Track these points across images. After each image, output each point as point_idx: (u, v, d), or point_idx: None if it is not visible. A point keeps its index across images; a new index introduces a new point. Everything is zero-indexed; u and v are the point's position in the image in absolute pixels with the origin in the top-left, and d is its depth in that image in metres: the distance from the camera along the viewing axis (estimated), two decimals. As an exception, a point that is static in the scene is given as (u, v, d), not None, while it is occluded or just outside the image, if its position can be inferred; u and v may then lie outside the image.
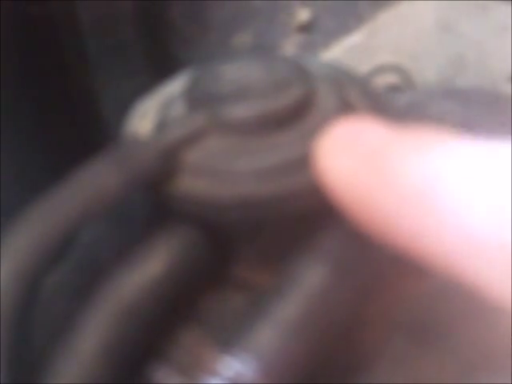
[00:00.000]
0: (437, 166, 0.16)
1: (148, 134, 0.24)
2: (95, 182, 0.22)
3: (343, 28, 0.41)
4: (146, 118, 0.25)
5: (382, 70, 0.38)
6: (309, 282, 0.21)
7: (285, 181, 0.22)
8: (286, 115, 0.23)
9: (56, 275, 0.25)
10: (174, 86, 0.26)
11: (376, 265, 0.21)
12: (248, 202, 0.22)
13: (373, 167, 0.17)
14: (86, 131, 0.38)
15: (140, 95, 0.26)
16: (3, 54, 0.33)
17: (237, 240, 0.23)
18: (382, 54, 0.39)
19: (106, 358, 0.20)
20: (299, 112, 0.23)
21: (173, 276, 0.22)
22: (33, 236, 0.21)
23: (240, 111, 0.23)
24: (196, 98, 0.24)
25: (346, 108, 0.24)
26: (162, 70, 0.42)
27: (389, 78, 0.37)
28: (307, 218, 0.22)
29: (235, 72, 0.24)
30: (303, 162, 0.22)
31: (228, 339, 0.20)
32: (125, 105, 0.26)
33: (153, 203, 0.24)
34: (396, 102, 0.29)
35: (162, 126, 0.24)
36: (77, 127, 0.38)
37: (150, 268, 0.22)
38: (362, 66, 0.38)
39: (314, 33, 0.42)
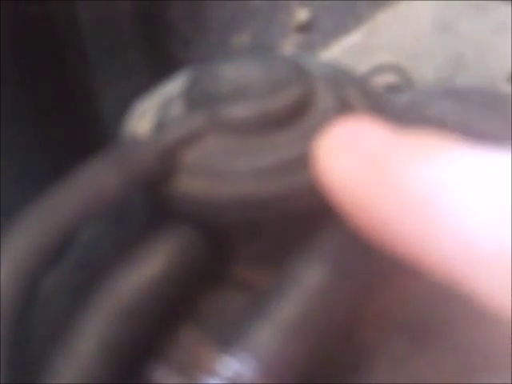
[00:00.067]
0: (438, 173, 0.16)
1: (147, 134, 0.24)
2: (94, 181, 0.22)
3: (342, 28, 0.41)
4: (145, 117, 0.25)
5: (380, 69, 0.38)
6: (308, 281, 0.21)
7: (284, 181, 0.22)
8: (285, 115, 0.23)
9: (55, 275, 0.25)
10: (173, 86, 0.26)
11: (376, 264, 0.21)
12: (247, 201, 0.22)
13: (373, 171, 0.17)
14: (85, 131, 0.38)
15: (139, 95, 0.26)
16: (3, 54, 0.33)
17: (236, 240, 0.23)
18: (381, 53, 0.39)
19: (105, 358, 0.20)
20: (298, 112, 0.23)
21: (172, 276, 0.22)
22: (32, 236, 0.21)
23: (239, 111, 0.23)
24: (195, 98, 0.24)
25: (345, 108, 0.24)
26: (161, 69, 0.42)
27: (388, 78, 0.37)
28: (306, 218, 0.22)
29: (234, 72, 0.24)
30: (302, 162, 0.22)
31: (227, 339, 0.20)
32: (124, 105, 0.26)
33: (152, 203, 0.24)
34: (395, 101, 0.29)
35: (160, 125, 0.24)
36: (76, 127, 0.38)
37: (149, 268, 0.22)
38: (361, 66, 0.38)
39: (312, 33, 0.42)
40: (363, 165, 0.17)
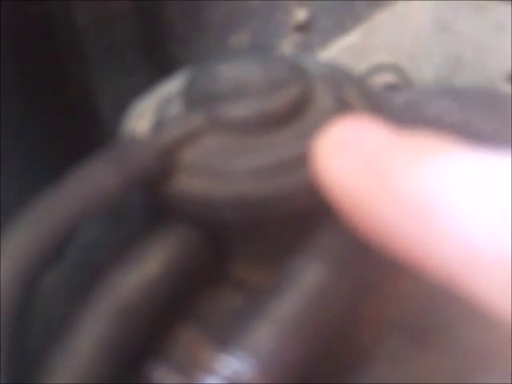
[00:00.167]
0: (437, 175, 0.16)
1: (146, 134, 0.24)
2: (93, 181, 0.22)
3: (340, 27, 0.41)
4: (144, 117, 0.25)
5: (379, 69, 0.38)
6: (307, 280, 0.21)
7: (282, 180, 0.22)
8: (284, 114, 0.23)
9: (54, 274, 0.25)
10: (172, 86, 0.26)
11: (374, 264, 0.21)
12: (245, 201, 0.22)
13: (371, 172, 0.17)
14: (84, 130, 0.38)
15: (138, 94, 0.26)
16: (3, 54, 0.33)
17: (234, 239, 0.23)
18: (380, 53, 0.39)
19: (104, 357, 0.20)
20: (296, 111, 0.23)
21: (170, 275, 0.22)
22: (31, 235, 0.21)
23: (237, 110, 0.23)
24: (193, 98, 0.24)
25: (343, 107, 0.24)
26: (160, 69, 0.43)
27: (386, 77, 0.37)
28: (305, 217, 0.22)
29: (232, 71, 0.24)
30: (300, 161, 0.22)
31: (226, 338, 0.20)
32: (123, 104, 0.26)
33: (150, 202, 0.24)
34: (393, 101, 0.29)
35: (159, 125, 0.24)
36: (75, 126, 0.38)
37: (147, 267, 0.22)
38: (360, 66, 0.38)
39: (311, 32, 0.43)
40: (362, 166, 0.17)
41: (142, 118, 0.25)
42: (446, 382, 0.22)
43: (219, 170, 0.22)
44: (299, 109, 0.23)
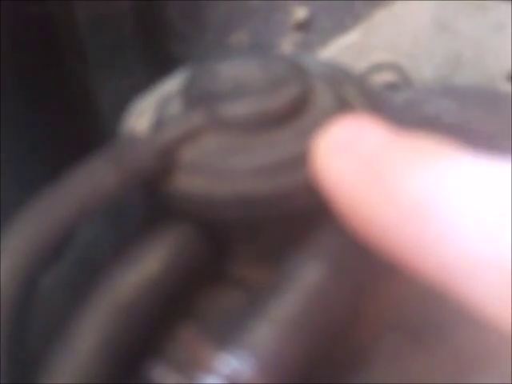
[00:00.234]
0: (437, 178, 0.16)
1: (145, 132, 0.24)
2: (93, 180, 0.22)
3: (340, 26, 0.41)
4: (144, 116, 0.25)
5: (378, 68, 0.38)
6: (306, 279, 0.21)
7: (282, 179, 0.22)
8: (283, 113, 0.23)
9: (54, 273, 0.25)
10: (172, 85, 0.26)
11: (373, 263, 0.21)
12: (245, 200, 0.22)
13: (370, 173, 0.17)
14: (84, 129, 0.38)
15: (138, 93, 0.26)
16: (3, 53, 0.33)
17: (234, 238, 0.23)
18: (379, 52, 0.39)
19: (104, 356, 0.20)
20: (296, 110, 0.23)
21: (170, 274, 0.22)
22: (30, 234, 0.21)
23: (237, 109, 0.23)
24: (193, 97, 0.24)
25: (343, 106, 0.24)
26: (160, 68, 0.42)
27: (386, 76, 0.37)
28: (305, 216, 0.22)
29: (232, 70, 0.24)
30: (300, 160, 0.22)
31: (225, 337, 0.20)
32: (123, 103, 0.26)
33: (150, 201, 0.24)
34: (393, 100, 0.29)
35: (159, 124, 0.24)
36: (75, 125, 0.38)
37: (147, 266, 0.22)
38: (359, 65, 0.38)
39: (310, 31, 0.42)
40: (361, 166, 0.17)
41: (141, 116, 0.25)
42: (444, 382, 0.22)
43: (219, 169, 0.22)
44: (299, 108, 0.23)
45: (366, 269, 0.21)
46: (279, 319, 0.20)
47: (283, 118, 0.23)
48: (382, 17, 0.41)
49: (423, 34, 0.40)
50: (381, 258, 0.17)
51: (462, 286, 0.15)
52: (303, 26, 0.42)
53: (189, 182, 0.23)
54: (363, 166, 0.17)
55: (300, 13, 0.42)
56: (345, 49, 0.40)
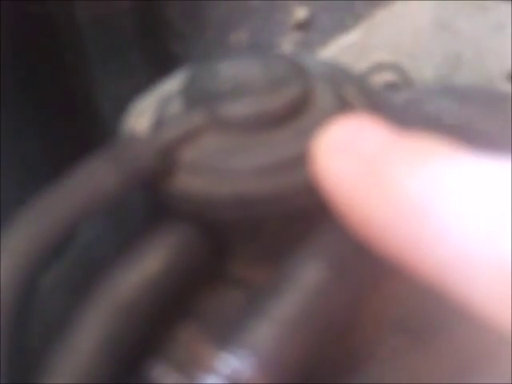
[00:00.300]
0: (436, 178, 0.16)
1: (146, 132, 0.24)
2: (93, 179, 0.22)
3: (340, 26, 0.41)
4: (144, 115, 0.25)
5: (379, 68, 0.38)
6: (306, 279, 0.21)
7: (282, 179, 0.22)
8: (284, 113, 0.23)
9: (54, 273, 0.25)
10: (172, 84, 0.26)
11: (373, 263, 0.21)
12: (245, 199, 0.22)
13: (370, 174, 0.17)
14: (84, 129, 0.38)
15: (138, 93, 0.26)
16: (3, 53, 0.33)
17: (234, 238, 0.23)
18: (379, 52, 0.39)
19: (104, 356, 0.20)
20: (296, 110, 0.23)
21: (170, 274, 0.22)
22: (31, 234, 0.21)
23: (237, 109, 0.23)
24: (193, 96, 0.24)
25: (343, 106, 0.24)
26: (160, 68, 0.42)
27: (386, 76, 0.37)
28: (305, 216, 0.22)
29: (232, 70, 0.24)
30: (300, 160, 0.22)
31: (225, 336, 0.20)
32: (123, 103, 0.26)
33: (150, 201, 0.24)
34: (393, 99, 0.29)
35: (159, 123, 0.24)
36: (75, 125, 0.38)
37: (147, 266, 0.22)
38: (360, 64, 0.38)
39: (311, 31, 0.42)
40: (360, 166, 0.17)
41: (141, 116, 0.25)
42: (444, 382, 0.22)
43: (219, 169, 0.22)
44: (299, 108, 0.23)
45: (365, 269, 0.21)
46: (279, 319, 0.20)
47: (283, 118, 0.23)
48: (382, 17, 0.41)
49: (423, 34, 0.40)
50: (381, 258, 0.17)
51: (461, 286, 0.15)
52: (303, 26, 0.42)
53: (189, 182, 0.23)
54: (363, 165, 0.17)
55: (300, 12, 0.42)
56: (345, 49, 0.40)
